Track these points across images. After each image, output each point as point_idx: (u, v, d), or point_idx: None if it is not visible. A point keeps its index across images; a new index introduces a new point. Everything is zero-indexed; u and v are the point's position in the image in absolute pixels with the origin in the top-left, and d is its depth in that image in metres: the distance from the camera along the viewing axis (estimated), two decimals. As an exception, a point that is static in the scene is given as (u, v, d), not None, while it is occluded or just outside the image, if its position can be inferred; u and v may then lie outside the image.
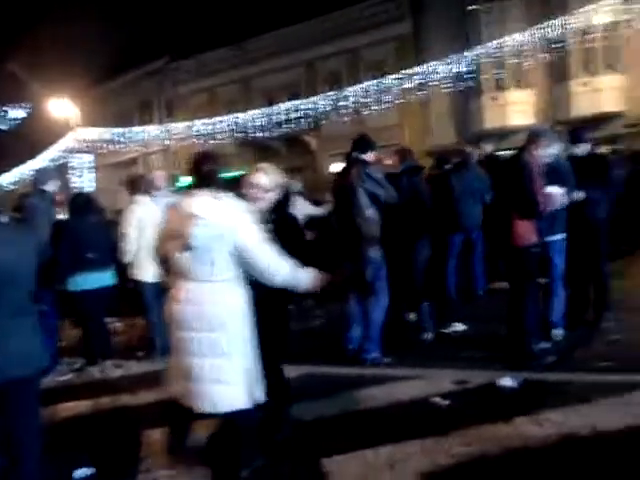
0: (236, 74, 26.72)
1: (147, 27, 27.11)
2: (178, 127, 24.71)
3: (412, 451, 3.57)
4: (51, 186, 6.45)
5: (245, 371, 3.15)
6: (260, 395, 3.22)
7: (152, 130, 25.82)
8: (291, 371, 5.01)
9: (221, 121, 23.58)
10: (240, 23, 24.38)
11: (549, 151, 5.09)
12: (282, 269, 3.19)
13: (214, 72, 27.18)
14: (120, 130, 25.47)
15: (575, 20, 18.52)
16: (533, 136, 5.11)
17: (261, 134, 23.49)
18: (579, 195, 5.40)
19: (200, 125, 23.83)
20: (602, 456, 3.35)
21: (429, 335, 6.03)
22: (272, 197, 3.73)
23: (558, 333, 5.47)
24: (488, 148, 7.86)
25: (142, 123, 27.65)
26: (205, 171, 3.25)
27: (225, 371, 3.08)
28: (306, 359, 5.36)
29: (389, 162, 6.46)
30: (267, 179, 3.71)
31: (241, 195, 3.57)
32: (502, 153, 10.53)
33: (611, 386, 4.23)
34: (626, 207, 8.91)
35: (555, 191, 4.99)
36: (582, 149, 5.78)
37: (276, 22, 23.96)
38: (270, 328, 3.45)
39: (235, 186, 3.67)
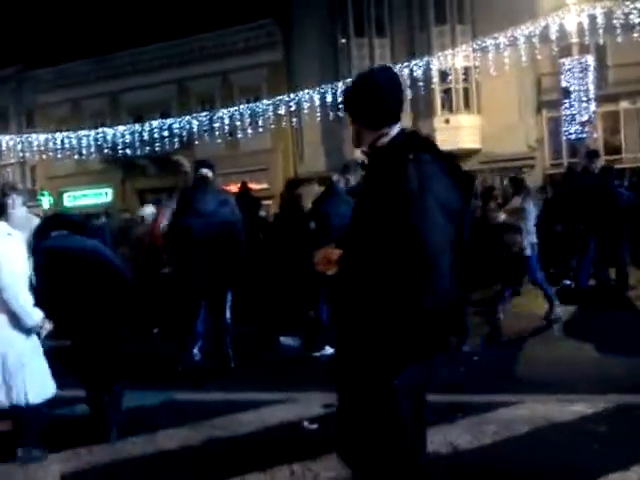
0: (102, 87, 25.72)
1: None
2: (38, 139, 23.13)
3: (281, 477, 3.51)
4: None
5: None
6: None
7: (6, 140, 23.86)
8: (151, 398, 4.85)
9: (87, 135, 22.42)
10: (104, 35, 23.50)
11: None
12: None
13: (77, 83, 25.98)
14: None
15: (436, 62, 19.83)
16: None
17: (128, 151, 22.65)
18: None
19: (63, 137, 22.49)
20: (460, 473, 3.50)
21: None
22: None
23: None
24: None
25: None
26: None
27: None
28: (166, 385, 5.24)
29: None
30: None
31: None
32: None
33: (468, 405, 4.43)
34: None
35: None
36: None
37: (143, 38, 23.42)
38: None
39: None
